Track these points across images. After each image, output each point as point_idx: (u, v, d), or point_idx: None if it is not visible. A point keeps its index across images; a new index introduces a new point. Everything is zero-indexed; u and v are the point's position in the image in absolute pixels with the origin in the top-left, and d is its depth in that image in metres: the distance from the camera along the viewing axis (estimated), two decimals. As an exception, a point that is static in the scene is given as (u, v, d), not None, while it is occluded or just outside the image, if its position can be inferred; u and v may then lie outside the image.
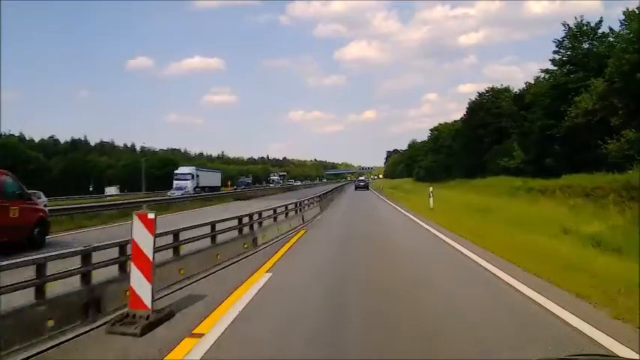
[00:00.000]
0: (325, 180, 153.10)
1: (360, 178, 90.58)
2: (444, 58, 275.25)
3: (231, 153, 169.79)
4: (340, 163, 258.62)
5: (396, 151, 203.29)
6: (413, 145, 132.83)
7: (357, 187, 57.93)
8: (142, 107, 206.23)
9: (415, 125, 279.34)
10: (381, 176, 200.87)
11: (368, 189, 58.98)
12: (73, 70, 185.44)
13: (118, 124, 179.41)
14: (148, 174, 73.28)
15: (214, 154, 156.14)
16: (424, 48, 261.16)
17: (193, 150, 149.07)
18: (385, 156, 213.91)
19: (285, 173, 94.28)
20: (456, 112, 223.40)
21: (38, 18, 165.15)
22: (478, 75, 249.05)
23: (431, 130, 73.05)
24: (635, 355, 3.33)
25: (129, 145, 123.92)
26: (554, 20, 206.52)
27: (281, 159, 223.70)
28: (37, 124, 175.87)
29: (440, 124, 70.55)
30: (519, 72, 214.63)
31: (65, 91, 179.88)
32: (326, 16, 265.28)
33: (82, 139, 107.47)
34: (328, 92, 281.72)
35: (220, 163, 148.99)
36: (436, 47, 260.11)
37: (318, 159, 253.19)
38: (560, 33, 32.78)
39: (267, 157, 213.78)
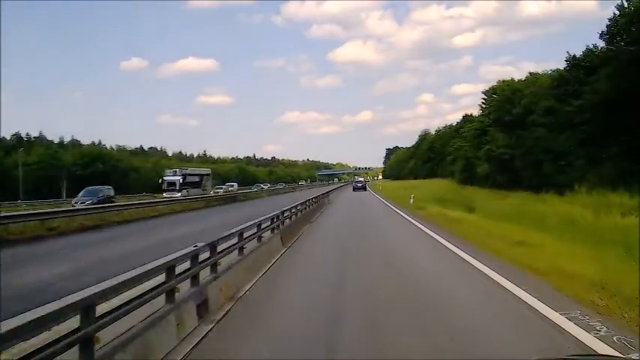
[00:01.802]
0: (302, 183, 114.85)
1: (359, 179, 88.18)
2: (440, 58, 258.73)
3: (223, 154, 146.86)
4: (335, 163, 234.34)
5: (397, 148, 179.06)
6: (425, 137, 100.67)
7: (355, 189, 58.24)
8: (137, 108, 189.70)
9: (411, 127, 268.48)
10: (380, 177, 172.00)
11: (366, 189, 58.13)
12: (67, 71, 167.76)
13: (111, 124, 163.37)
14: (71, 173, 61.03)
15: (195, 153, 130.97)
16: (419, 48, 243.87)
17: (172, 149, 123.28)
18: (385, 154, 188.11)
19: (208, 171, 55.41)
20: (452, 114, 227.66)
21: (30, 18, 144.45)
22: (473, 75, 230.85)
23: (486, 92, 40.32)
24: (635, 355, 3.05)
25: (96, 143, 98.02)
26: (550, 21, 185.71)
27: (270, 159, 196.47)
28: (32, 125, 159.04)
29: (502, 82, 38.23)
30: (515, 72, 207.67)
31: (59, 92, 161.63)
32: (321, 17, 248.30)
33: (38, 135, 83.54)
34: (324, 93, 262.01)
35: (199, 162, 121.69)
36: (431, 48, 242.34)
37: (311, 159, 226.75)
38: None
39: (254, 157, 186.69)
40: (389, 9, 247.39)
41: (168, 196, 33.48)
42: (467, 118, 63.44)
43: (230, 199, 35.45)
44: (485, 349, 4.13)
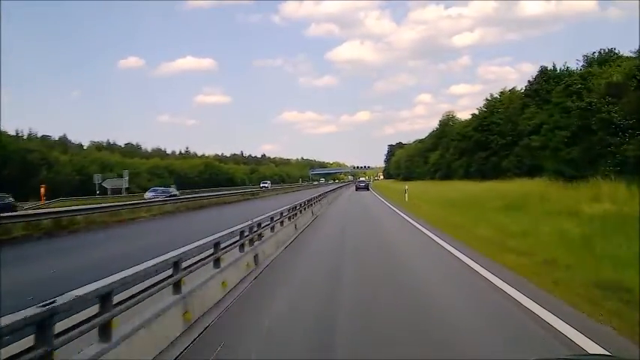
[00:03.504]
0: (266, 185, 72.61)
1: (361, 179, 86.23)
2: (438, 58, 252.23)
3: (213, 152, 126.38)
4: (332, 162, 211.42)
5: (400, 144, 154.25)
6: (448, 121, 72.92)
7: (357, 188, 54.56)
8: (134, 107, 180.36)
9: (409, 127, 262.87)
10: (381, 177, 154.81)
11: (368, 189, 53.65)
12: (64, 70, 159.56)
13: (109, 123, 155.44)
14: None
15: (178, 150, 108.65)
16: (418, 48, 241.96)
17: (149, 146, 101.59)
18: (387, 150, 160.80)
19: None
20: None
21: (27, 17, 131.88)
22: (471, 76, 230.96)
23: None
24: (635, 356, 3.11)
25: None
26: (549, 21, 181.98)
27: (260, 156, 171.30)
28: (30, 125, 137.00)
29: None
30: (513, 72, 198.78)
31: (57, 92, 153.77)
32: (319, 16, 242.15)
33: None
34: (322, 93, 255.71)
35: (175, 159, 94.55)
36: (430, 47, 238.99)
37: (307, 158, 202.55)
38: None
39: (242, 154, 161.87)
40: (387, 9, 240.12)
41: None
42: (547, 73, 36.18)
43: None
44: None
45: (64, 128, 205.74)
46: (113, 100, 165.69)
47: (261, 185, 70.32)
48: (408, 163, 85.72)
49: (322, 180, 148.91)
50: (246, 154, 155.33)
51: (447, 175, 49.29)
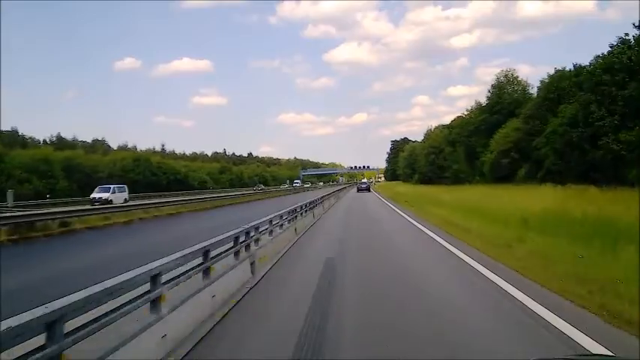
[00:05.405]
0: (102, 196, 29.80)
1: (363, 180, 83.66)
2: (436, 60, 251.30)
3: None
4: (327, 163, 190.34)
5: (406, 140, 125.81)
6: (505, 83, 43.82)
7: (359, 190, 55.41)
8: (130, 108, 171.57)
9: (407, 129, 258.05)
10: (382, 178, 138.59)
11: (370, 191, 54.20)
12: (60, 71, 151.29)
13: (103, 124, 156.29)
14: None
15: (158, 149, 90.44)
16: (415, 50, 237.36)
17: (120, 142, 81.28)
18: (390, 147, 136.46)
19: None
20: (448, 115, 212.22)
21: (24, 17, 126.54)
22: (469, 77, 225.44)
23: None
24: (635, 355, 3.07)
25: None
26: (548, 22, 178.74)
27: (245, 155, 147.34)
28: (28, 126, 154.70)
29: None
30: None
31: (53, 92, 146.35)
32: (316, 17, 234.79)
33: None
34: (319, 94, 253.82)
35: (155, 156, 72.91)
36: (427, 49, 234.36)
37: (300, 158, 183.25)
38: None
39: (225, 152, 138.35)
40: (385, 10, 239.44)
41: None
42: None
43: None
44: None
45: (59, 128, 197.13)
46: (109, 101, 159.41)
47: (94, 196, 28.73)
48: (433, 157, 56.73)
49: (298, 183, 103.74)
50: (245, 155, 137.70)
51: (556, 174, 20.87)
